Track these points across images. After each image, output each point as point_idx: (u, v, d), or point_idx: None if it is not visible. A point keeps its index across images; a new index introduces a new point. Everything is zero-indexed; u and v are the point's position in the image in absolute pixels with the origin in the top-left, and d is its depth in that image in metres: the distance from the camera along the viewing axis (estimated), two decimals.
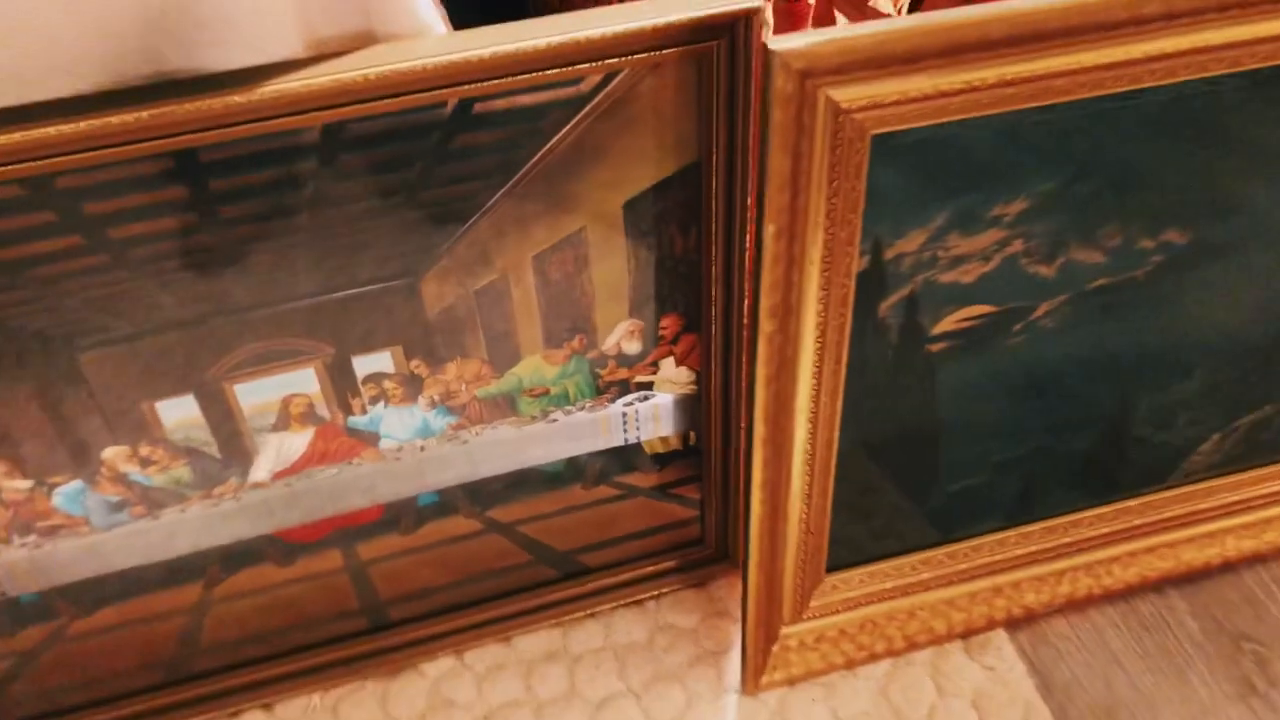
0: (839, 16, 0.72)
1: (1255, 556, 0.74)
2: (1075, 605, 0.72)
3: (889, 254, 0.54)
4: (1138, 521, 0.72)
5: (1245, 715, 0.68)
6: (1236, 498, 0.73)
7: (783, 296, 0.50)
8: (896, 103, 0.47)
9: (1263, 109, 0.54)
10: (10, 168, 0.43)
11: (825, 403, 0.57)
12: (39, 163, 0.43)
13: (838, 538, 0.66)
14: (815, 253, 0.50)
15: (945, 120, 0.49)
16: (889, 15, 0.72)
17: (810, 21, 0.71)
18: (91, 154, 0.44)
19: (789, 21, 0.70)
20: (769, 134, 0.44)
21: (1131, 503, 0.71)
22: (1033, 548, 0.70)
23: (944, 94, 0.47)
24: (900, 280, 0.55)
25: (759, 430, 0.55)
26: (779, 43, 0.43)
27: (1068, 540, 0.71)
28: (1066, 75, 0.49)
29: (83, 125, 0.43)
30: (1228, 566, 0.74)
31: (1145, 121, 0.53)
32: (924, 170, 0.51)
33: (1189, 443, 0.70)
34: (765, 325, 0.51)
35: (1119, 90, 0.51)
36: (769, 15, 0.53)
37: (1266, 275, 0.62)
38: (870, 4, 0.70)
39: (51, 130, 0.43)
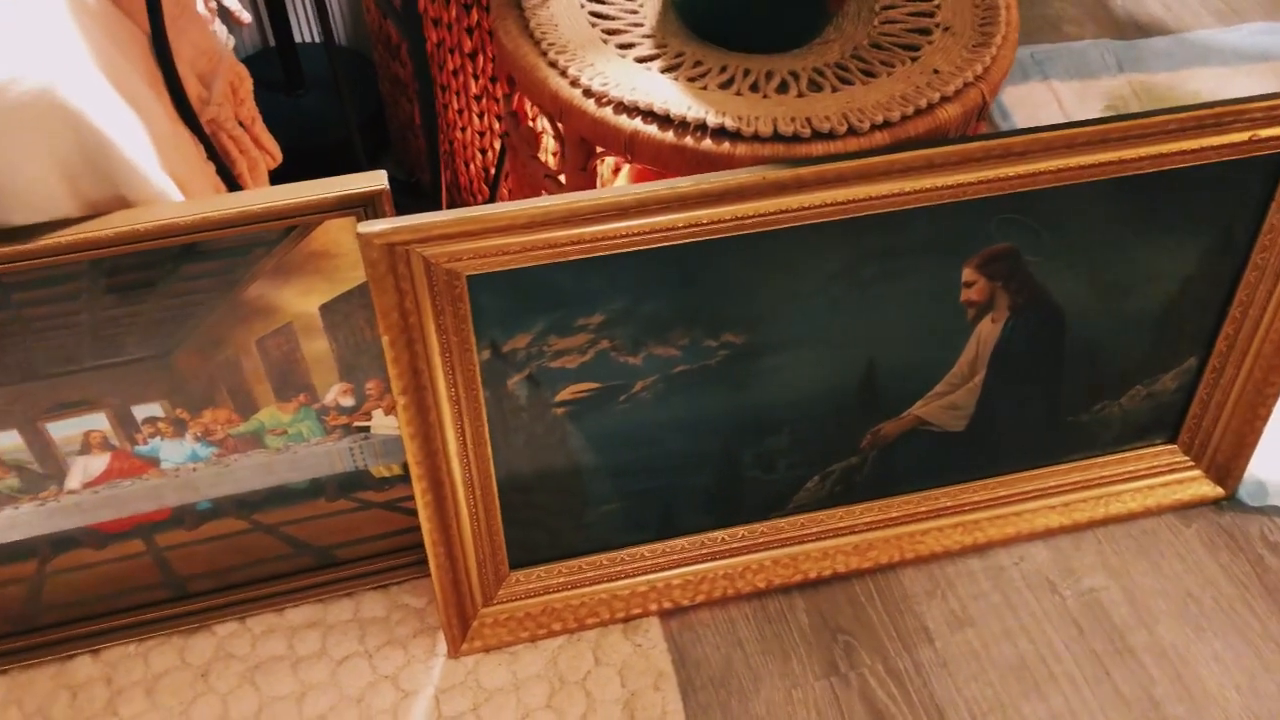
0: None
1: (860, 570, 0.96)
2: (716, 602, 0.95)
3: (505, 349, 0.76)
4: (762, 540, 0.94)
5: (824, 688, 0.90)
6: (842, 524, 0.95)
7: (411, 380, 0.73)
8: (475, 256, 0.69)
9: (750, 262, 0.76)
10: None
11: (473, 449, 0.79)
12: None
13: (517, 544, 0.89)
14: (434, 352, 0.72)
15: (525, 264, 0.72)
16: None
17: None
18: None
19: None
20: (371, 279, 0.67)
21: (758, 525, 0.94)
22: (677, 556, 0.93)
23: (505, 251, 0.69)
24: (519, 366, 0.77)
25: (414, 469, 0.77)
26: (366, 226, 0.65)
27: (706, 551, 0.93)
28: (595, 241, 0.71)
29: None
30: (838, 577, 0.96)
31: (684, 263, 0.75)
32: (517, 295, 0.73)
33: (793, 482, 0.92)
34: (400, 399, 0.73)
35: (654, 246, 0.73)
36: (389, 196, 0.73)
37: (816, 364, 0.84)
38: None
39: None
